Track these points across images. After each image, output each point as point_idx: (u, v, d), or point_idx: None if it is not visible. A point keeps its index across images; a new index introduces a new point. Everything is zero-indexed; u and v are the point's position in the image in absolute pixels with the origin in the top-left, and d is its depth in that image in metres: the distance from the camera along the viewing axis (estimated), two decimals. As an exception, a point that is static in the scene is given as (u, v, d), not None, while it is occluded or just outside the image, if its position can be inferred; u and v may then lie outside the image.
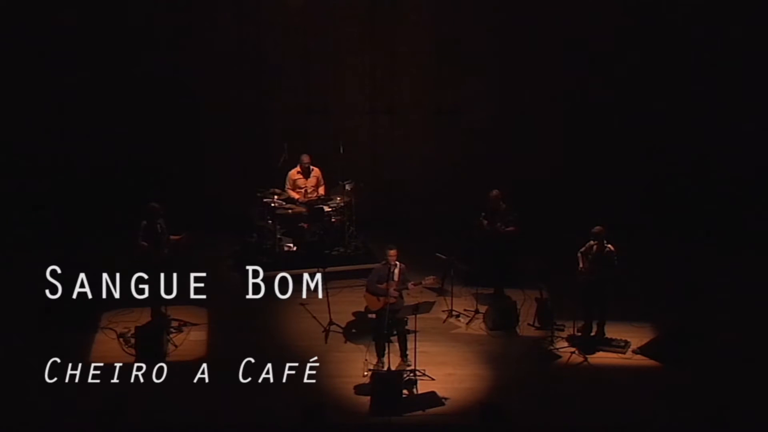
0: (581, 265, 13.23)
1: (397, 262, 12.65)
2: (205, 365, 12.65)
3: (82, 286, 14.23)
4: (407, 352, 12.73)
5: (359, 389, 12.18)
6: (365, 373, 12.47)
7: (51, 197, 16.67)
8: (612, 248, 13.18)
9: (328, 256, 15.27)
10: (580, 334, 13.37)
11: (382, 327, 12.55)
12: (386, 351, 12.51)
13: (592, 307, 13.36)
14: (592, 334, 13.42)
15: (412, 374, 12.31)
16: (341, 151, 15.71)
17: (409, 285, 12.72)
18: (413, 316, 12.36)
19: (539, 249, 15.43)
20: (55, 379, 12.30)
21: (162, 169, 16.91)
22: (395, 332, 12.74)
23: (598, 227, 13.23)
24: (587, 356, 13.02)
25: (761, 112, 16.90)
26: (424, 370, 12.43)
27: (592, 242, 13.20)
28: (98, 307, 14.12)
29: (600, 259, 13.14)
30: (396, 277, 12.59)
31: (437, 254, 14.43)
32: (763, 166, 16.95)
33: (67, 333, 13.47)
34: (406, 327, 12.83)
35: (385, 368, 12.36)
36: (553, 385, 12.43)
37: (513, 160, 17.32)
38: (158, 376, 12.40)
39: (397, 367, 12.56)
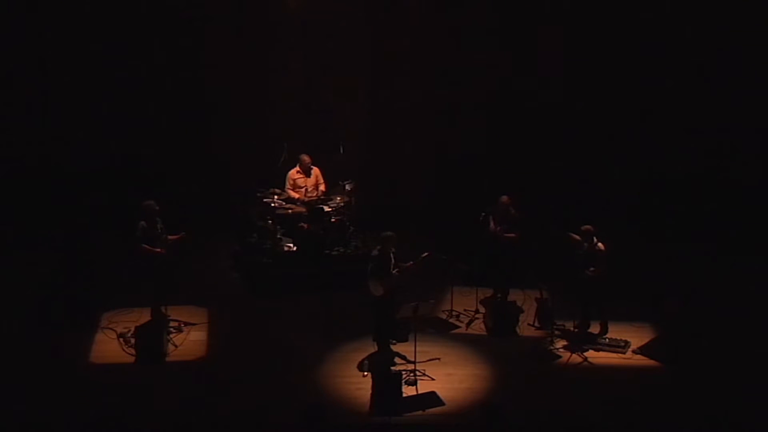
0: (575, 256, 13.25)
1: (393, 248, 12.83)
2: (205, 365, 12.70)
3: (82, 286, 14.21)
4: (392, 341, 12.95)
5: (360, 387, 12.21)
6: (365, 373, 12.49)
7: (50, 197, 16.67)
8: (602, 247, 13.18)
9: (328, 256, 15.28)
10: (576, 330, 13.40)
11: (384, 313, 12.59)
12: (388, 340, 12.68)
13: (589, 304, 13.39)
14: (596, 332, 13.47)
15: (412, 374, 12.33)
16: (341, 151, 15.71)
17: (408, 265, 12.79)
18: (414, 317, 12.40)
19: (540, 251, 15.45)
20: (55, 379, 12.34)
21: (162, 169, 16.91)
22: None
23: (586, 226, 13.25)
24: (586, 355, 13.04)
25: (761, 112, 16.92)
26: (424, 369, 12.47)
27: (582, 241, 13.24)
28: (98, 307, 14.12)
29: (590, 257, 13.14)
30: (393, 260, 12.77)
31: (437, 254, 14.41)
32: (763, 165, 16.97)
33: (67, 333, 13.48)
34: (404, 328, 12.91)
35: (387, 356, 12.52)
36: (553, 385, 12.43)
37: (513, 160, 17.33)
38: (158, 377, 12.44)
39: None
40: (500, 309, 14.08)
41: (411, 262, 12.84)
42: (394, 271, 12.70)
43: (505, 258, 14.50)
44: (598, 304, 13.44)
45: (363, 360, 12.79)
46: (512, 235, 14.44)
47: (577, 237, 13.37)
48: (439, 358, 12.58)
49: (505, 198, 14.53)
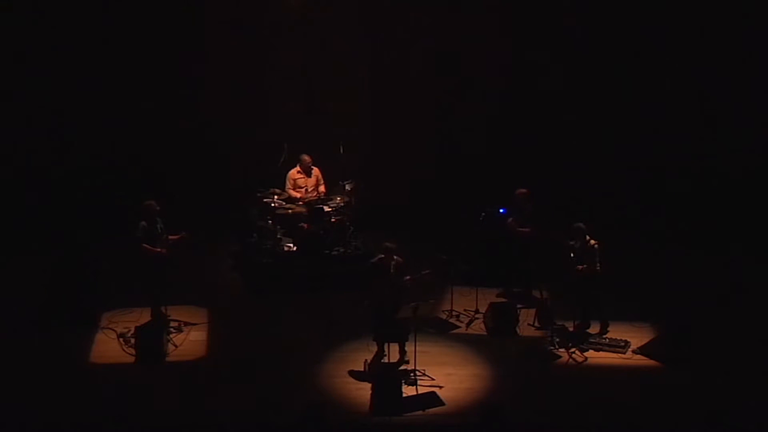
0: (567, 254, 13.26)
1: (395, 257, 12.72)
2: (205, 365, 12.70)
3: (82, 286, 14.19)
4: (405, 349, 12.77)
5: (360, 387, 12.20)
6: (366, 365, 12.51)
7: (50, 197, 16.68)
8: (595, 244, 13.19)
9: (328, 256, 15.28)
10: (575, 329, 13.41)
11: (385, 314, 12.56)
12: (387, 347, 12.62)
13: (586, 303, 13.40)
14: (596, 331, 13.48)
15: (412, 374, 12.31)
16: (341, 151, 15.71)
17: (406, 279, 12.74)
18: (414, 317, 12.38)
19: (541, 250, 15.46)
20: (55, 379, 12.34)
21: (162, 169, 16.91)
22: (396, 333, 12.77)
23: (576, 224, 13.27)
24: (585, 354, 13.05)
25: (760, 110, 16.92)
26: (424, 370, 12.46)
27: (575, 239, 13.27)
28: (98, 307, 14.11)
29: (583, 255, 13.15)
30: (393, 271, 12.67)
31: (437, 254, 14.43)
32: (763, 165, 16.98)
33: (67, 333, 13.47)
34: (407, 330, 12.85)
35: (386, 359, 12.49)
36: (553, 385, 12.42)
37: (512, 159, 17.33)
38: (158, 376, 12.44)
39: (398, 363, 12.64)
40: (500, 306, 14.04)
41: (409, 277, 12.78)
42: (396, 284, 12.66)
43: (515, 254, 14.48)
44: (595, 303, 13.45)
45: (366, 366, 12.72)
46: (525, 229, 14.42)
47: (560, 235, 13.32)
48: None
49: (521, 191, 14.47)
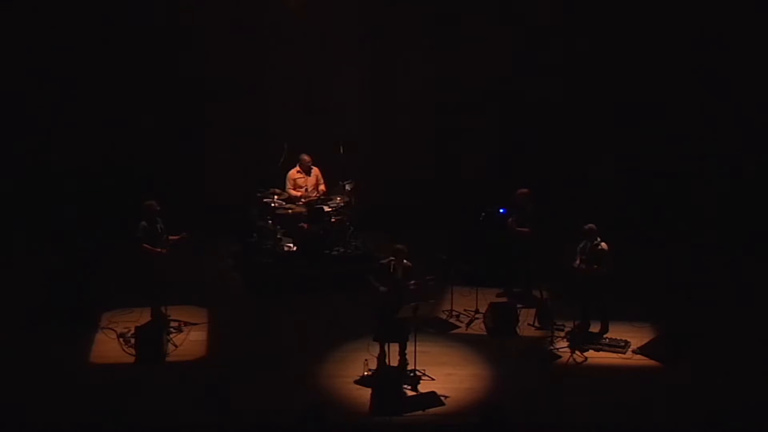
0: (577, 262, 13.25)
1: (404, 261, 12.68)
2: (205, 365, 12.70)
3: (82, 286, 14.19)
4: (405, 353, 12.74)
5: (359, 387, 12.20)
6: (366, 373, 12.47)
7: (50, 197, 16.68)
8: (605, 246, 13.19)
9: (328, 256, 15.28)
10: (576, 330, 13.39)
11: (382, 322, 12.56)
12: (387, 348, 12.57)
13: (589, 304, 13.40)
14: (597, 331, 13.47)
15: (412, 374, 12.32)
16: (341, 151, 15.71)
17: (410, 283, 12.73)
18: (414, 317, 12.37)
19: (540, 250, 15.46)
20: (56, 379, 12.33)
21: (162, 169, 16.90)
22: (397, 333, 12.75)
23: (588, 225, 13.26)
24: (585, 354, 13.04)
25: (761, 109, 16.92)
26: (424, 370, 12.46)
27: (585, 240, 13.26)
28: (98, 307, 14.11)
29: (593, 256, 13.15)
30: (400, 274, 12.61)
31: (437, 254, 14.42)
32: (763, 164, 16.98)
33: (67, 333, 13.47)
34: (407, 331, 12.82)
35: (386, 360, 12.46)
36: (553, 385, 12.42)
37: (512, 159, 17.34)
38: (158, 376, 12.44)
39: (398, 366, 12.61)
40: (500, 306, 14.03)
41: (413, 282, 12.75)
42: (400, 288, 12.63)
43: (517, 254, 14.46)
44: (598, 303, 13.44)
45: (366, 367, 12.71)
46: (525, 229, 14.41)
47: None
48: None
49: (522, 190, 14.46)
